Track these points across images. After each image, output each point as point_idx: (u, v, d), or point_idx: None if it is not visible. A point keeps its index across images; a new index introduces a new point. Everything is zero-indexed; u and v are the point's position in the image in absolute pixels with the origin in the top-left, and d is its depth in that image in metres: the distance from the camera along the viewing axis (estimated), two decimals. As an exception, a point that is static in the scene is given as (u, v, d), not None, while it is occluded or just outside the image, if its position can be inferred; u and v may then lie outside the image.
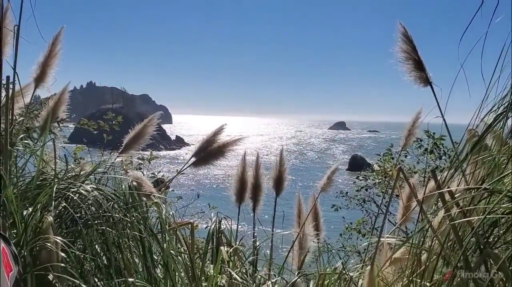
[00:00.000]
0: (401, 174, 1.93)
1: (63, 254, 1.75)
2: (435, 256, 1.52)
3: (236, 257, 2.41)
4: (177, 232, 2.39)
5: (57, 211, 1.96)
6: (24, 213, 1.83)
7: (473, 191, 1.49)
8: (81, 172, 2.22)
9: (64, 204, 1.99)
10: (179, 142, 78.03)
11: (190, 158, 2.60)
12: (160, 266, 2.13)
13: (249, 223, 2.70)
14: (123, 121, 5.55)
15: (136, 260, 2.04)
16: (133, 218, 2.05)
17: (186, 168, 2.60)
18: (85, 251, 1.90)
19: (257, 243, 2.55)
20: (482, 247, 1.39)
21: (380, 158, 7.49)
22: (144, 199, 2.21)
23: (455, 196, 1.49)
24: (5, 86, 2.04)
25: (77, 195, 1.99)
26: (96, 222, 1.94)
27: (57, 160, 2.24)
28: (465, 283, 1.39)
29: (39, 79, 2.41)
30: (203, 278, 2.20)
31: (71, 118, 3.08)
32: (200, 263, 2.32)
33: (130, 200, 2.12)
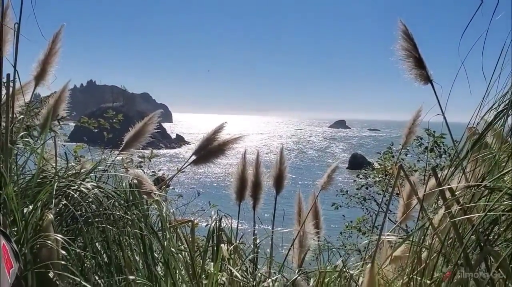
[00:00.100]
0: (401, 172, 1.93)
1: (63, 252, 1.75)
2: (436, 254, 1.52)
3: (236, 255, 2.42)
4: (178, 230, 2.39)
5: (58, 209, 1.96)
6: (25, 211, 1.83)
7: (473, 189, 1.50)
8: (82, 170, 2.22)
9: (65, 202, 1.99)
10: (179, 141, 78.01)
11: (191, 156, 2.61)
12: (160, 264, 2.13)
13: (250, 221, 2.70)
14: (123, 120, 5.54)
15: (137, 257, 2.05)
16: (134, 216, 2.05)
17: (186, 166, 2.60)
18: (85, 249, 1.91)
19: (258, 241, 2.55)
20: (482, 244, 1.39)
21: (381, 157, 7.49)
22: (145, 197, 2.21)
23: (456, 193, 1.49)
24: (5, 84, 2.04)
25: (78, 193, 2.00)
26: (96, 220, 1.94)
27: (57, 158, 2.24)
28: (465, 281, 1.39)
29: (40, 77, 2.41)
30: (203, 275, 2.20)
31: (71, 116, 3.08)
32: (201, 261, 2.33)
33: (131, 198, 2.12)
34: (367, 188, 7.81)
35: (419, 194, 1.89)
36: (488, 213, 1.37)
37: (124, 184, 2.22)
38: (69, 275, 1.73)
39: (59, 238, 1.72)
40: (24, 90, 2.33)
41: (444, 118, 1.99)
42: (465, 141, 1.63)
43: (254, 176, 2.68)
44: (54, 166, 2.20)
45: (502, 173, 1.45)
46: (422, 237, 1.65)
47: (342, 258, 2.31)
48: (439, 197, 1.55)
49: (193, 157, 2.60)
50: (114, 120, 5.45)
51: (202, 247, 2.52)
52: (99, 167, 2.29)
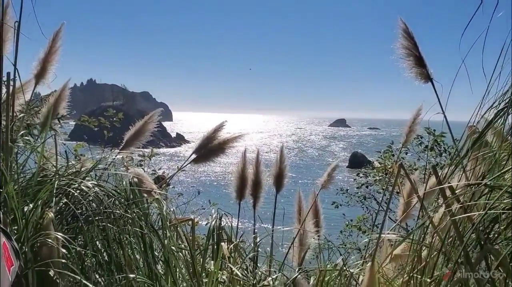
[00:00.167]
0: (401, 170, 1.93)
1: (64, 250, 1.75)
2: (436, 252, 1.52)
3: (236, 253, 2.42)
4: (178, 228, 2.39)
5: (58, 207, 1.96)
6: (25, 209, 1.83)
7: (473, 187, 1.50)
8: (82, 169, 2.22)
9: (65, 200, 1.99)
10: (180, 139, 78.05)
11: (191, 155, 2.61)
12: (161, 262, 2.13)
13: (250, 220, 2.70)
14: (123, 118, 5.54)
15: (137, 256, 2.05)
16: (134, 215, 2.05)
17: (186, 165, 2.61)
18: (86, 247, 1.91)
19: (258, 240, 2.55)
20: (482, 243, 1.39)
21: (381, 155, 7.50)
22: (145, 195, 2.21)
23: (456, 192, 1.49)
24: (5, 82, 2.04)
25: (78, 191, 2.00)
26: (97, 218, 1.94)
27: (57, 156, 2.24)
28: (466, 280, 1.39)
29: (40, 76, 2.41)
30: (204, 274, 2.21)
31: (71, 115, 3.08)
32: (201, 259, 2.33)
33: (131, 197, 2.12)
34: (367, 186, 7.82)
35: (419, 193, 1.89)
36: (488, 212, 1.37)
37: (124, 183, 2.22)
38: (70, 274, 1.73)
39: (59, 236, 1.72)
40: (24, 88, 2.33)
41: (445, 116, 1.99)
42: (465, 140, 1.63)
43: (254, 175, 2.68)
44: (55, 164, 2.20)
45: (502, 171, 1.45)
46: (422, 235, 1.65)
47: (342, 257, 2.31)
48: (439, 196, 1.55)
49: (193, 156, 2.60)
50: (114, 119, 5.45)
51: (202, 245, 2.52)
52: (99, 166, 2.29)
